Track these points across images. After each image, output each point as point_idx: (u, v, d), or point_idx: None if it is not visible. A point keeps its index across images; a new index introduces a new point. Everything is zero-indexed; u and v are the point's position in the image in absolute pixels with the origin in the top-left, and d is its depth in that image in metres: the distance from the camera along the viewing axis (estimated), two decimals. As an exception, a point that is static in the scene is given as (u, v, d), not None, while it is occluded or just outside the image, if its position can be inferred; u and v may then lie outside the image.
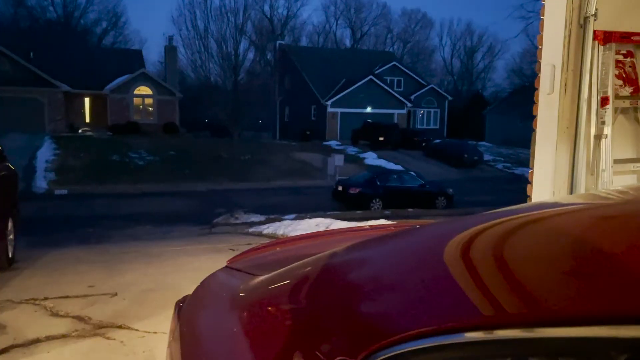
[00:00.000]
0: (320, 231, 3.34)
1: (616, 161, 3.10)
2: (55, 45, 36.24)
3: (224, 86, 33.81)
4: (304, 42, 58.63)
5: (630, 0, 3.12)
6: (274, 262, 1.76)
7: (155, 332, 4.11)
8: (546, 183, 3.15)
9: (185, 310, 1.75)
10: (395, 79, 43.18)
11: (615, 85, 3.09)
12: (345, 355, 0.95)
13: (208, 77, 34.59)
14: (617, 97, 3.10)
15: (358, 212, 14.89)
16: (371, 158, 29.64)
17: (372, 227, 2.59)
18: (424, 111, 44.24)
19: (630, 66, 3.15)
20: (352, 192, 16.82)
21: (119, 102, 33.56)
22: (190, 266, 6.47)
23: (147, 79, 34.64)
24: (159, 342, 3.88)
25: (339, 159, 22.16)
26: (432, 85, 45.54)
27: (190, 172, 23.30)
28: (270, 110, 41.55)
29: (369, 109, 38.59)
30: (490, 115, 44.47)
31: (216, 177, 22.96)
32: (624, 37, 3.06)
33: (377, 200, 16.78)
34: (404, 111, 40.89)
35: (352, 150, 31.64)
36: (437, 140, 34.43)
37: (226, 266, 2.01)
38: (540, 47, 3.20)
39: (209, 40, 35.29)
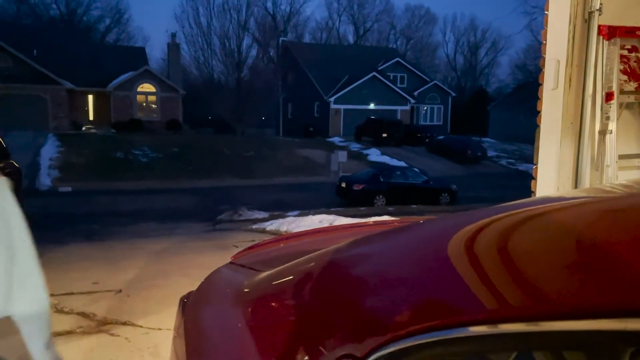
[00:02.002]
0: (324, 227, 3.34)
1: (621, 156, 3.08)
2: (58, 42, 36.25)
3: (227, 83, 33.74)
4: (307, 38, 58.66)
5: (635, -5, 3.10)
6: (278, 258, 1.76)
7: (159, 329, 4.12)
8: (550, 179, 3.14)
9: (189, 306, 1.76)
10: (399, 75, 43.07)
11: (620, 80, 3.07)
12: (350, 350, 0.95)
13: (211, 74, 34.55)
14: (621, 92, 3.09)
15: (361, 208, 14.89)
16: (374, 154, 29.61)
17: (376, 223, 2.59)
18: (427, 107, 44.13)
19: (635, 61, 3.13)
20: (355, 188, 16.81)
21: (122, 100, 33.58)
22: (194, 262, 6.49)
23: (150, 76, 34.65)
24: (164, 338, 3.90)
25: (342, 156, 22.14)
26: (435, 82, 45.39)
27: (193, 169, 23.33)
28: (274, 106, 41.49)
29: (372, 106, 38.53)
30: (494, 111, 44.34)
31: (219, 173, 22.98)
32: (629, 32, 3.04)
33: (381, 196, 16.77)
34: (407, 107, 40.80)
35: (355, 146, 31.60)
36: (441, 137, 34.36)
37: (230, 262, 2.01)
38: (544, 42, 3.18)
39: (212, 37, 35.25)
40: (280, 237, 2.52)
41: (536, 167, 3.27)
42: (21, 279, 1.18)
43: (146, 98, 34.51)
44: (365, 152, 30.19)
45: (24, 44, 31.52)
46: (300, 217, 10.57)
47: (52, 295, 4.86)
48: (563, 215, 1.07)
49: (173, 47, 37.68)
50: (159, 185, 20.49)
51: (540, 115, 3.21)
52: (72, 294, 4.99)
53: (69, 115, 31.54)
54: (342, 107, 38.43)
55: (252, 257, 2.03)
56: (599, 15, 2.93)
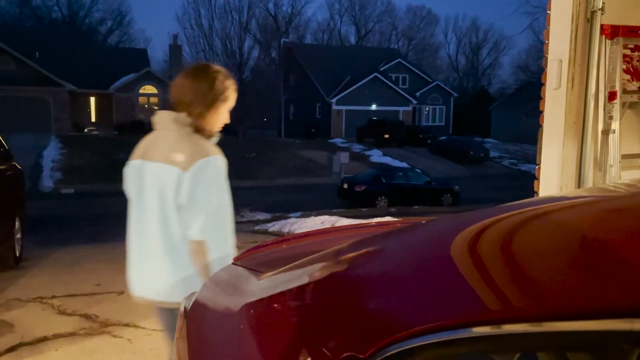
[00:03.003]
0: (326, 228, 3.34)
1: (624, 156, 3.07)
2: (60, 44, 36.40)
3: (228, 84, 33.75)
4: (308, 39, 58.67)
5: (638, -6, 3.09)
6: (280, 259, 1.76)
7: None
8: (553, 179, 3.13)
9: (192, 307, 1.75)
10: (400, 75, 43.05)
11: (623, 79, 3.06)
12: (353, 351, 0.95)
13: (213, 76, 34.60)
14: (624, 91, 3.08)
15: (364, 209, 14.89)
16: (376, 155, 29.61)
17: (378, 224, 2.59)
18: (429, 108, 44.11)
19: (637, 60, 3.12)
20: (357, 189, 16.81)
21: (125, 101, 33.66)
22: (197, 264, 6.47)
23: (152, 78, 34.71)
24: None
25: (344, 157, 22.17)
26: (437, 82, 45.36)
27: (195, 171, 23.32)
28: (275, 108, 41.54)
29: (374, 106, 38.52)
30: (496, 112, 44.30)
31: (221, 175, 22.98)
32: (632, 32, 3.03)
33: (383, 197, 16.76)
34: (409, 108, 40.79)
35: (357, 147, 31.60)
36: (443, 137, 34.36)
37: (232, 264, 2.01)
38: (546, 42, 3.18)
39: (214, 39, 35.39)
40: (283, 239, 2.52)
41: (539, 167, 3.26)
42: (219, 223, 1.98)
43: (148, 99, 34.58)
44: (367, 153, 30.19)
45: (26, 46, 31.60)
46: (303, 218, 10.57)
47: (54, 297, 4.88)
48: (566, 215, 1.06)
49: (175, 49, 37.76)
50: (161, 187, 20.44)
51: (543, 116, 3.20)
52: (74, 295, 5.00)
53: (71, 117, 31.60)
54: (343, 108, 38.44)
55: (255, 258, 2.03)
56: (602, 14, 2.93)
